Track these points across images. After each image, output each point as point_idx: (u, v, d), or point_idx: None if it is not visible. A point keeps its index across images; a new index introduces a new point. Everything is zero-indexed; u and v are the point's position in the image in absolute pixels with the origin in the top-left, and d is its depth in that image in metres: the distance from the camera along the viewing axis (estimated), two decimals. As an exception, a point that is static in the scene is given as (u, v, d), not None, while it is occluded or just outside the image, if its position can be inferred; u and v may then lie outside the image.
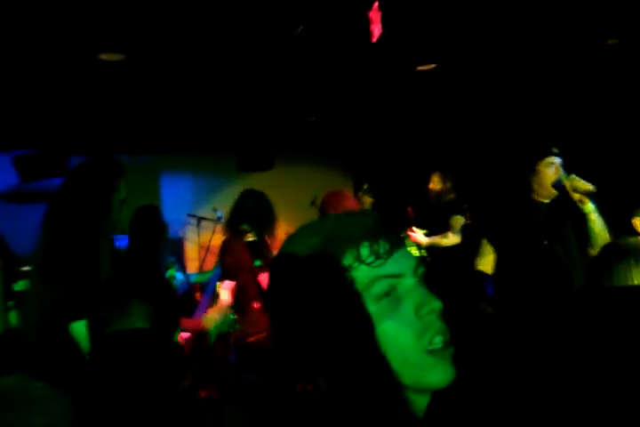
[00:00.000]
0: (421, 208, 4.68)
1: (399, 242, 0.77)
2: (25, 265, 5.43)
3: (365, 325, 0.71)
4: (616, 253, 1.45)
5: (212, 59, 3.99)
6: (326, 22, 3.38)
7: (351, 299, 0.71)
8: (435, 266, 3.87)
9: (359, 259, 0.73)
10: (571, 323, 1.15)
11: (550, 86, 4.74)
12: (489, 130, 5.66)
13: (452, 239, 4.09)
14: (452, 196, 4.60)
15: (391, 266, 0.74)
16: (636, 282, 1.36)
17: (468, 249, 3.39)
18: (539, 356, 1.04)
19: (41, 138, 5.94)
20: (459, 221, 4.15)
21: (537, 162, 2.84)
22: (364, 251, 0.73)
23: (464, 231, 4.15)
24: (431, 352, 0.72)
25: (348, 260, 0.72)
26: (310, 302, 0.73)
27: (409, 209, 4.51)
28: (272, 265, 0.81)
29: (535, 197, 2.86)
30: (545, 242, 2.73)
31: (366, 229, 0.75)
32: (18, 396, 0.52)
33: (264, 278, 3.02)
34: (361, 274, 0.72)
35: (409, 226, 4.45)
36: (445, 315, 0.75)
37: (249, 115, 5.85)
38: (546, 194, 2.81)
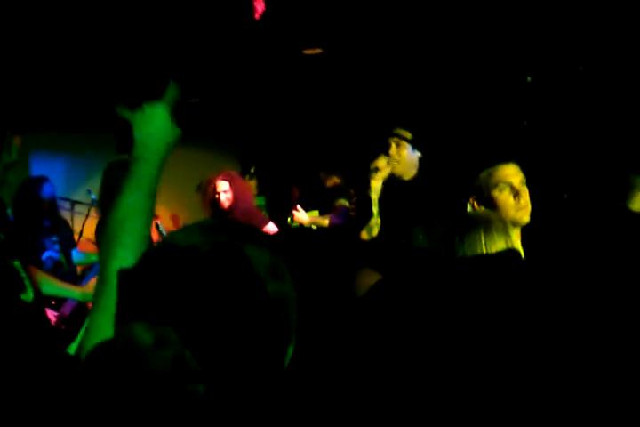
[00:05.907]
0: (310, 192, 4.74)
1: None
2: None
3: None
4: (467, 223, 1.50)
5: (91, 30, 3.73)
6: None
7: None
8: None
9: None
10: (430, 291, 1.18)
11: (437, 75, 4.91)
12: (375, 115, 5.79)
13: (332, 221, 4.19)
14: (337, 181, 4.72)
15: None
16: (486, 251, 1.41)
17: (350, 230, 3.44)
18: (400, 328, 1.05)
19: None
20: (343, 204, 4.27)
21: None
22: None
23: (345, 214, 4.24)
24: None
25: None
26: None
27: (294, 188, 4.56)
28: None
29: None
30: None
31: None
32: None
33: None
34: None
35: (293, 205, 4.52)
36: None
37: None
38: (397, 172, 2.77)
